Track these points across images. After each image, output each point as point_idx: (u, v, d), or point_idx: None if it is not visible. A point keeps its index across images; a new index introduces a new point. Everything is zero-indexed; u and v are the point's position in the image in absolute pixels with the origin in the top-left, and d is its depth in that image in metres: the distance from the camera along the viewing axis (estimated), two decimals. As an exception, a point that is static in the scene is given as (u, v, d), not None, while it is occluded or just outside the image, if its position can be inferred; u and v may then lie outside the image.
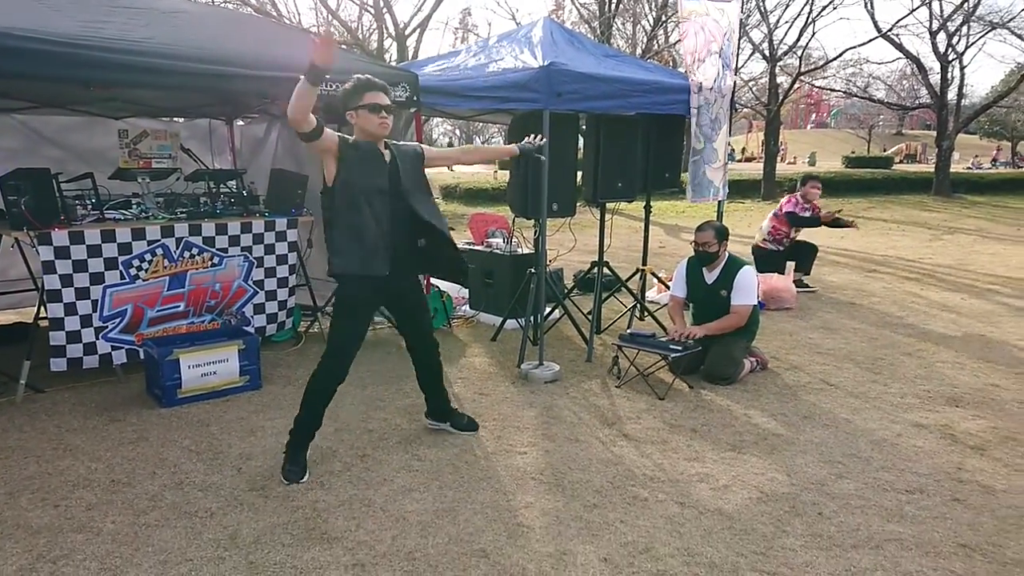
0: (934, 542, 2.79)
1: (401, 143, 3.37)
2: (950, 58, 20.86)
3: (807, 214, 7.48)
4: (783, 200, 7.71)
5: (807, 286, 7.63)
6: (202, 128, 6.82)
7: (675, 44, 25.48)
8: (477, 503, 3.07)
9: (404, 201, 3.19)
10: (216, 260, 4.81)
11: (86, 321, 4.28)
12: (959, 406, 4.27)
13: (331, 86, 4.32)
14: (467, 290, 6.64)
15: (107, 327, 4.38)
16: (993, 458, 3.55)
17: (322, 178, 3.18)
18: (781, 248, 7.58)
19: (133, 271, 4.43)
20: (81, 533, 2.80)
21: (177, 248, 4.61)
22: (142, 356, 4.42)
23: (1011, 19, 20.34)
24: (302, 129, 2.96)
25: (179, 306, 4.69)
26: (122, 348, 4.46)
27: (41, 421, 3.93)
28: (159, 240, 4.52)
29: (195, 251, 4.70)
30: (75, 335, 4.25)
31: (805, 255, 7.73)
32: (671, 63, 24.47)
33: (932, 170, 22.37)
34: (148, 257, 4.49)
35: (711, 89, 5.51)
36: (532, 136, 3.83)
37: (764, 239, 7.58)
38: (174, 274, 4.63)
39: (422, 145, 3.47)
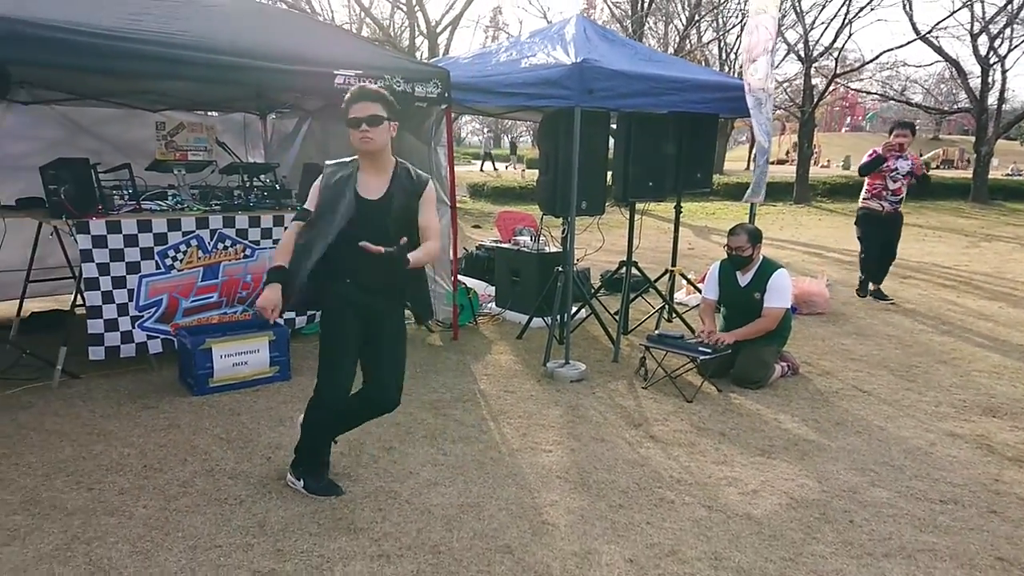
0: (970, 554, 2.72)
1: (415, 175, 2.90)
2: (991, 61, 20.33)
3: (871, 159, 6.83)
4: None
5: (885, 296, 7.17)
6: (236, 122, 6.92)
7: (708, 43, 25.27)
8: (502, 499, 3.07)
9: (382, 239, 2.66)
10: (248, 252, 4.87)
11: (123, 310, 4.37)
12: (996, 416, 4.16)
13: (366, 81, 4.34)
14: (493, 287, 6.64)
15: (143, 316, 4.46)
16: (1032, 470, 3.46)
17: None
18: (883, 205, 6.89)
19: (169, 261, 4.51)
20: (114, 516, 2.86)
21: (211, 239, 4.67)
22: (176, 346, 4.49)
23: (1058, 21, 19.75)
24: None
25: (212, 296, 4.76)
26: (158, 337, 4.54)
27: (76, 406, 4.01)
28: (194, 231, 4.59)
29: (228, 243, 4.76)
30: (112, 323, 4.33)
31: (882, 263, 7.20)
32: (703, 62, 24.26)
33: (970, 176, 21.86)
34: (183, 248, 4.56)
35: (762, 89, 5.43)
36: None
37: (863, 197, 7.08)
38: (208, 265, 4.69)
39: (430, 191, 2.92)
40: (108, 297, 4.29)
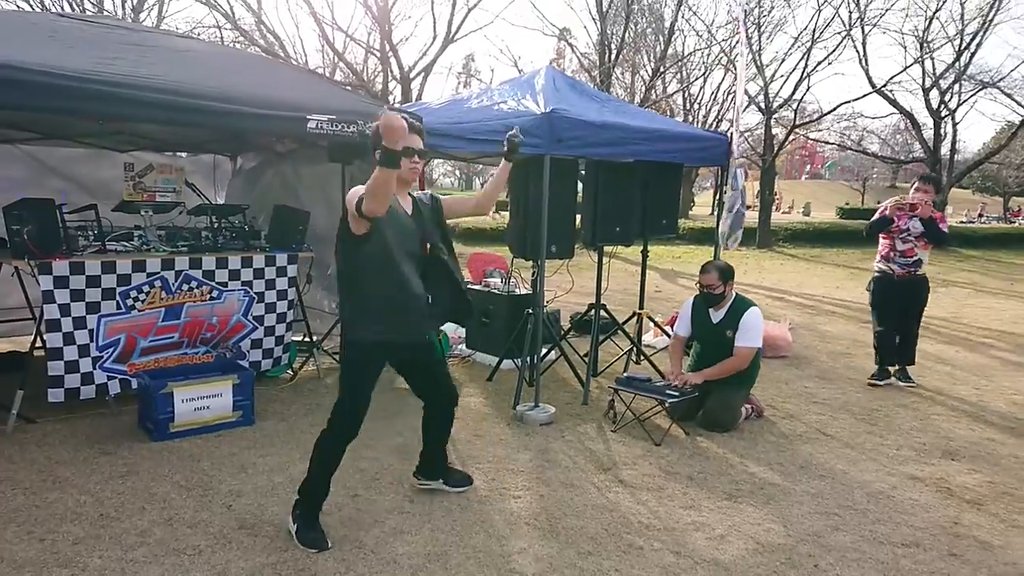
0: (932, 598, 2.76)
1: (419, 193, 3.19)
2: (943, 114, 21.29)
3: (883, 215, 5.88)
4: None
5: (908, 378, 5.91)
6: (206, 163, 6.91)
7: (672, 94, 26.02)
8: (469, 547, 3.03)
9: (433, 257, 3.08)
10: (215, 294, 4.82)
11: (84, 351, 4.27)
12: (955, 459, 4.25)
13: (339, 126, 4.39)
14: (464, 329, 6.64)
15: (103, 356, 4.37)
16: (990, 513, 3.53)
17: (340, 225, 2.94)
18: (893, 268, 5.79)
19: (130, 302, 4.44)
20: (67, 568, 2.75)
21: (176, 281, 4.62)
22: (134, 386, 4.39)
23: (1001, 79, 20.81)
24: (377, 215, 2.73)
25: (173, 336, 4.68)
26: (116, 378, 4.44)
27: (31, 452, 3.89)
28: (158, 272, 4.54)
29: (194, 284, 4.71)
30: (73, 365, 4.23)
31: (903, 337, 5.93)
32: (669, 112, 24.95)
33: (926, 223, 22.55)
34: (146, 288, 4.50)
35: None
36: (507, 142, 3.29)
37: (876, 260, 6.00)
38: (170, 306, 4.63)
39: (436, 195, 3.28)
40: (69, 339, 4.20)
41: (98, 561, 2.81)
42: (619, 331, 6.14)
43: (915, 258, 5.76)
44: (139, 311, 4.49)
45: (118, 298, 4.38)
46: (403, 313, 2.98)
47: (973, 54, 20.22)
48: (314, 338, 5.68)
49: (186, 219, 5.28)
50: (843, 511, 3.49)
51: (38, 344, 4.32)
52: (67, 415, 4.36)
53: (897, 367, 5.96)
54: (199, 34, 17.34)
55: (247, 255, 4.95)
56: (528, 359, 5.16)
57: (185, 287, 4.68)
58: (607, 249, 5.69)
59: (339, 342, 5.85)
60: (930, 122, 21.54)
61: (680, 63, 24.35)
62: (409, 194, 3.09)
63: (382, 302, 2.94)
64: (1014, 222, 37.70)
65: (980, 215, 40.17)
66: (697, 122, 25.10)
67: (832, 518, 3.41)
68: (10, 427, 4.14)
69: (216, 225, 5.15)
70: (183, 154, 6.82)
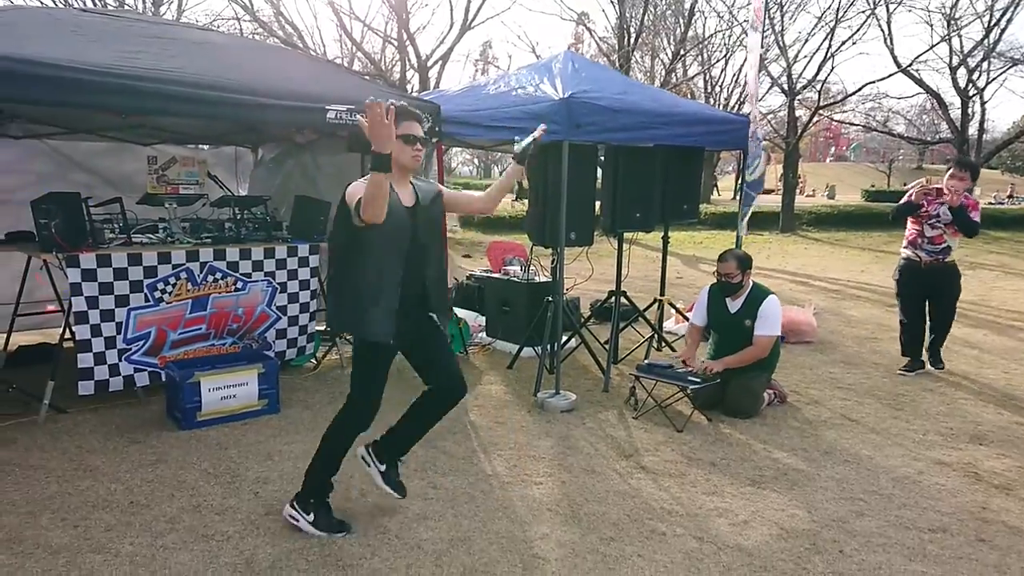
0: (959, 584, 2.73)
1: (421, 181, 3.11)
2: (971, 93, 20.79)
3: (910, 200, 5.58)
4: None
5: (940, 363, 5.78)
6: (228, 155, 6.97)
7: (693, 77, 25.71)
8: (492, 533, 3.05)
9: (422, 251, 2.95)
10: (240, 285, 4.87)
11: (111, 343, 4.35)
12: (983, 444, 4.19)
13: (358, 116, 4.40)
14: (484, 317, 6.66)
15: (131, 349, 4.44)
16: (1019, 498, 3.48)
17: (338, 216, 2.87)
18: (920, 255, 5.53)
19: (158, 294, 4.51)
20: (100, 554, 2.82)
21: (201, 272, 4.68)
22: (163, 379, 4.47)
23: (1032, 55, 20.26)
24: (378, 222, 2.59)
25: (200, 328, 4.75)
26: (145, 370, 4.52)
27: (63, 441, 3.98)
28: (184, 264, 4.60)
29: (219, 275, 4.77)
30: (101, 357, 4.31)
31: (934, 325, 5.73)
32: (689, 95, 24.66)
33: (953, 204, 22.14)
34: (172, 280, 4.56)
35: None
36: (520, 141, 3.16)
37: (902, 245, 5.74)
38: (196, 297, 4.69)
39: (440, 187, 3.21)
40: (97, 331, 4.28)
41: (129, 547, 2.88)
42: (640, 318, 6.12)
43: (943, 245, 5.46)
44: (167, 303, 4.56)
45: (146, 290, 4.45)
46: (385, 313, 2.85)
47: (1004, 30, 19.66)
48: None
49: (209, 211, 5.34)
50: (868, 496, 3.46)
51: (67, 336, 4.41)
52: (97, 405, 4.45)
53: (930, 354, 5.77)
54: (218, 26, 17.44)
55: (269, 246, 5.00)
56: (548, 347, 5.17)
57: (210, 278, 4.74)
58: (627, 235, 5.66)
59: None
60: (957, 101, 21.04)
61: (701, 45, 24.04)
62: (411, 182, 2.98)
63: (367, 298, 2.83)
64: (1044, 202, 36.84)
65: (1010, 195, 39.30)
66: (719, 105, 24.77)
67: (857, 503, 3.39)
68: (42, 417, 4.23)
69: (239, 216, 5.21)
70: (205, 146, 6.88)
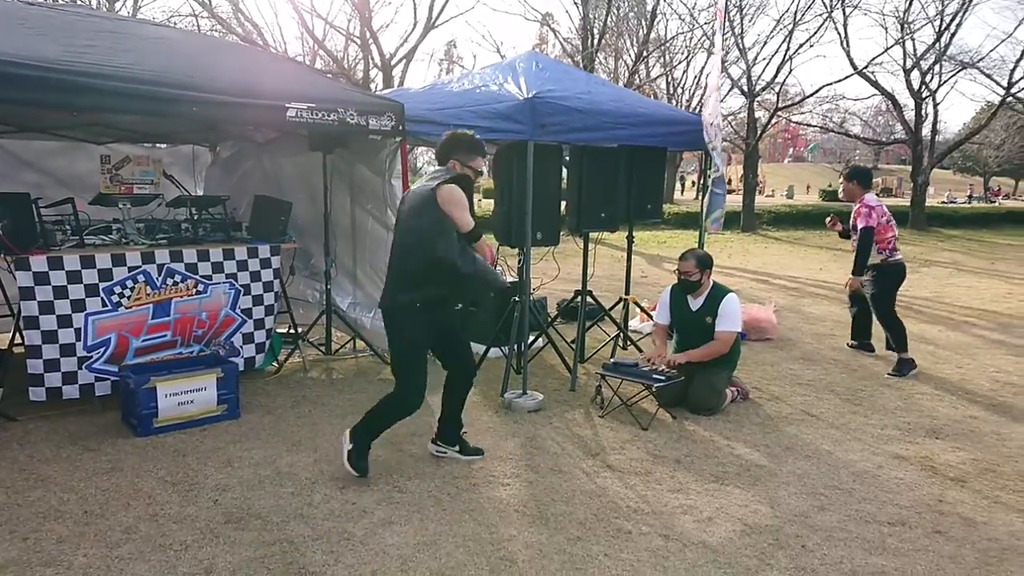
0: (917, 575, 2.79)
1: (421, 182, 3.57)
2: (923, 95, 21.42)
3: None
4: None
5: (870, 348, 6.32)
6: (185, 154, 6.81)
7: (656, 79, 25.98)
8: (459, 536, 3.03)
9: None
10: (201, 288, 4.75)
11: (67, 350, 4.19)
12: (939, 438, 4.30)
13: (319, 114, 4.34)
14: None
15: (92, 357, 4.29)
16: (973, 490, 3.57)
17: (442, 226, 3.35)
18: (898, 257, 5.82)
19: (115, 298, 4.36)
20: (51, 567, 2.72)
21: (159, 275, 4.55)
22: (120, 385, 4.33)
23: (980, 59, 20.96)
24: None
25: (166, 335, 4.61)
26: (106, 379, 4.36)
27: (12, 450, 3.83)
28: (140, 266, 4.46)
29: (178, 278, 4.64)
30: (54, 363, 4.15)
31: (864, 316, 6.23)
32: (652, 96, 24.91)
33: (908, 204, 22.82)
34: (129, 284, 4.42)
35: (711, 124, 5.63)
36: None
37: (884, 255, 5.78)
38: (158, 302, 4.55)
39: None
40: (51, 336, 4.12)
41: (83, 559, 2.78)
42: (606, 317, 6.14)
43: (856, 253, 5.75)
44: (126, 307, 4.41)
45: (102, 295, 4.30)
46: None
47: (953, 34, 20.37)
48: (299, 329, 5.64)
49: (165, 211, 5.21)
50: (829, 491, 3.52)
51: (17, 341, 4.25)
52: (48, 412, 4.29)
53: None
54: (176, 23, 17.06)
55: (228, 247, 4.89)
56: (515, 347, 5.15)
57: (170, 281, 4.60)
58: (592, 235, 5.68)
59: (324, 334, 5.86)
60: (911, 103, 21.69)
61: (663, 47, 24.32)
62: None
63: (455, 276, 3.43)
64: (994, 202, 38.14)
65: (970, 196, 40.54)
66: (680, 106, 25.09)
67: (818, 498, 3.44)
68: (-10, 425, 4.08)
69: (196, 217, 5.09)
70: (162, 145, 6.71)
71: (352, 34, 19.52)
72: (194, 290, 4.71)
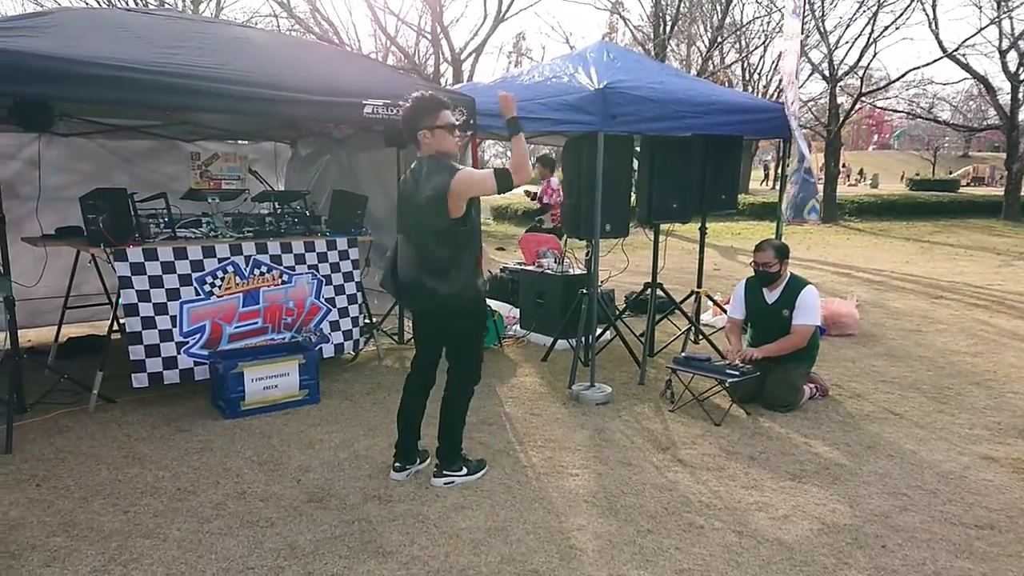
0: (1008, 581, 2.67)
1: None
2: (1021, 77, 20.07)
3: None
4: None
5: None
6: (267, 151, 7.09)
7: (731, 65, 25.29)
8: (529, 523, 3.07)
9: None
10: (286, 278, 4.94)
11: (166, 336, 4.43)
12: (1034, 439, 4.07)
13: (394, 110, 4.44)
14: (518, 309, 6.68)
15: (188, 342, 4.54)
16: (1072, 495, 3.37)
17: (451, 210, 3.10)
18: None
19: (207, 287, 4.60)
20: (149, 539, 2.91)
21: (247, 265, 4.77)
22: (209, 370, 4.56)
23: (1087, 37, 19.45)
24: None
25: (257, 322, 4.83)
26: (205, 364, 4.59)
27: (112, 430, 4.11)
28: (229, 258, 4.69)
29: (264, 268, 4.85)
30: (154, 349, 4.40)
31: None
32: (727, 83, 24.27)
33: (1001, 193, 21.51)
34: (220, 274, 4.66)
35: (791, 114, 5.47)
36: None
37: None
38: (247, 291, 4.77)
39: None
40: (149, 323, 4.38)
41: (177, 533, 2.97)
42: (676, 310, 6.06)
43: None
44: (218, 296, 4.65)
45: (195, 284, 4.55)
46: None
47: (1056, 11, 18.95)
48: (373, 319, 5.80)
49: (250, 206, 5.44)
50: (912, 491, 3.39)
51: (115, 328, 4.54)
52: (143, 395, 4.57)
53: None
54: (256, 23, 17.70)
55: (309, 239, 5.08)
56: (583, 339, 5.15)
57: (257, 271, 4.82)
58: (663, 227, 5.61)
59: (397, 323, 5.99)
60: (1007, 87, 20.33)
61: (739, 32, 23.63)
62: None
63: (477, 265, 3.35)
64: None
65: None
66: (757, 92, 24.35)
67: (901, 498, 3.32)
68: (92, 406, 4.37)
69: (279, 211, 5.30)
70: (244, 142, 7.01)
71: (423, 29, 19.82)
72: (280, 280, 4.92)
